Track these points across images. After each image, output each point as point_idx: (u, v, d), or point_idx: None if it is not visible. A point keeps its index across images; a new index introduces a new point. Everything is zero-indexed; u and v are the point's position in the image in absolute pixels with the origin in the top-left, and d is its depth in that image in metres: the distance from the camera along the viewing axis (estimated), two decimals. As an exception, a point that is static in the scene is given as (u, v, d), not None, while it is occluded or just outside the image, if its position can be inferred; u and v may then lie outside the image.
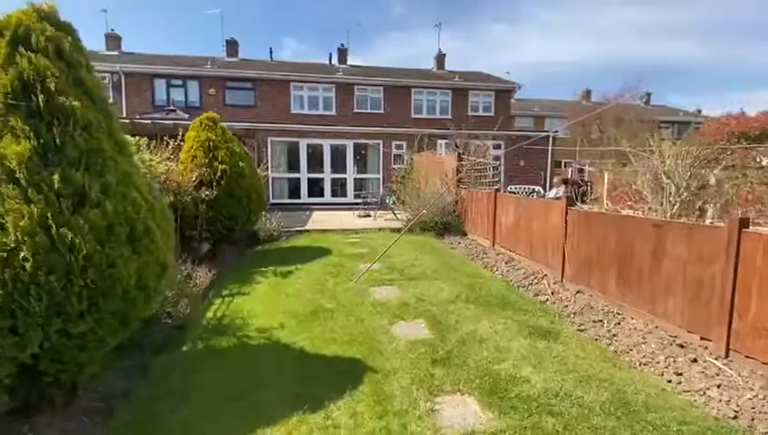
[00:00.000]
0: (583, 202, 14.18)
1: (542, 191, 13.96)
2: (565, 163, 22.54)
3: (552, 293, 5.07)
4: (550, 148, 15.27)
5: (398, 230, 9.51)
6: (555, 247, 5.58)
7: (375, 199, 12.17)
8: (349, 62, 20.32)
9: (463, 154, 9.75)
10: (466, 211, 9.01)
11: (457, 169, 9.54)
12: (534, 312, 4.36)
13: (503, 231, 7.26)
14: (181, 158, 6.22)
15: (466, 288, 5.06)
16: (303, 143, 13.82)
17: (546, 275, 5.69)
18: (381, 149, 14.34)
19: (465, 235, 9.04)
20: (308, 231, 9.19)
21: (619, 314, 4.32)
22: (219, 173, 6.06)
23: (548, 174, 15.62)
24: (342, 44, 20.63)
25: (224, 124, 6.61)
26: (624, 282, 4.38)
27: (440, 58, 21.52)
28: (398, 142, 14.42)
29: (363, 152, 14.74)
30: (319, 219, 11.12)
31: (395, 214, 11.15)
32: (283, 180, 13.99)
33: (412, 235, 9.19)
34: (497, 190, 7.59)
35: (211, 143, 6.19)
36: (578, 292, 5.01)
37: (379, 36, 51.19)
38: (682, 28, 52.44)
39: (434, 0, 50.30)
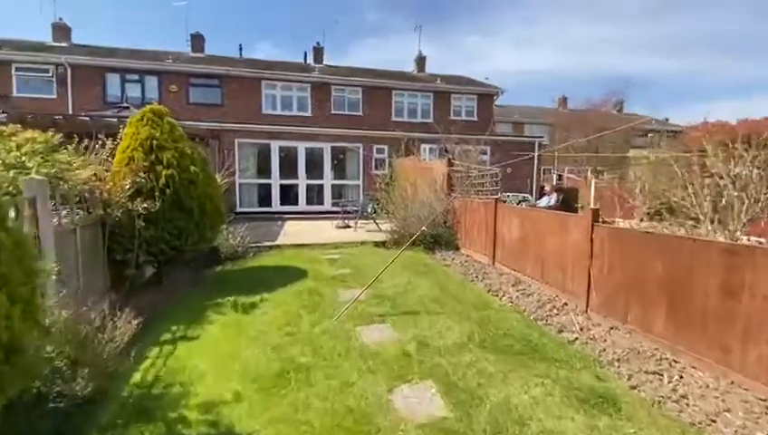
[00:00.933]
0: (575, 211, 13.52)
1: (531, 199, 13.29)
2: (544, 170, 22.22)
3: (581, 329, 4.14)
4: (536, 154, 14.68)
5: (383, 244, 8.46)
6: (577, 270, 4.67)
7: (355, 208, 11.07)
8: (325, 63, 19.20)
9: (453, 159, 8.83)
10: (460, 223, 8.06)
11: (448, 176, 8.60)
12: (571, 361, 3.39)
13: (505, 247, 6.33)
14: (115, 160, 4.95)
15: (478, 325, 4.04)
16: (275, 146, 12.57)
17: (566, 304, 4.77)
18: (361, 153, 13.28)
19: (457, 249, 8.09)
20: (279, 246, 7.97)
21: (675, 361, 3.41)
22: (164, 180, 4.82)
23: (534, 181, 15.01)
24: (318, 43, 19.51)
25: (173, 120, 5.36)
26: (678, 320, 3.48)
27: (420, 61, 20.76)
28: (379, 146, 13.41)
29: (341, 156, 13.63)
30: (292, 231, 9.90)
31: (378, 224, 10.08)
32: (253, 187, 12.67)
33: (399, 249, 8.16)
34: (498, 200, 6.67)
35: (154, 142, 4.94)
36: (612, 328, 4.10)
37: (355, 41, 50.38)
38: (646, 43, 54.49)
39: (408, 8, 49.96)
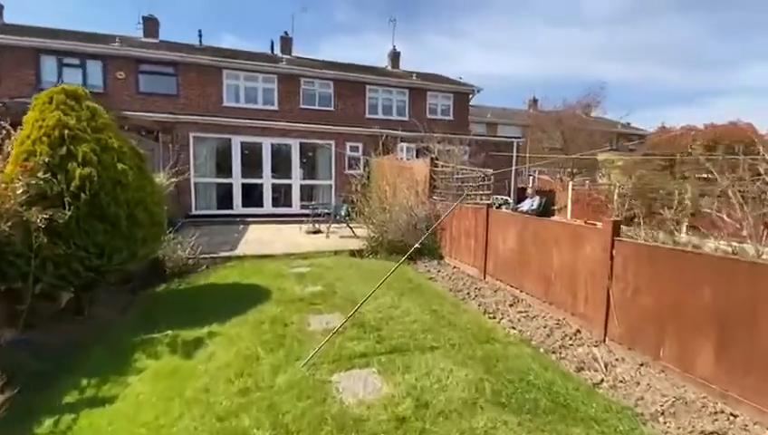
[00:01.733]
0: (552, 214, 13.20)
1: (511, 202, 12.79)
2: (517, 171, 22.05)
3: (606, 366, 3.43)
4: (514, 155, 14.24)
5: (359, 252, 7.56)
6: (592, 291, 3.98)
7: (327, 211, 10.08)
8: (294, 54, 17.97)
9: (436, 159, 8.06)
10: (444, 230, 7.29)
11: (431, 177, 7.82)
12: (609, 420, 2.64)
13: (499, 259, 5.60)
14: (12, 156, 3.76)
15: (485, 367, 3.24)
16: (237, 141, 11.34)
17: (578, 331, 4.07)
18: (333, 150, 12.28)
19: (441, 258, 7.32)
20: (239, 257, 6.88)
21: (734, 415, 2.74)
22: (78, 181, 3.69)
23: (512, 183, 14.58)
24: (286, 32, 18.25)
25: (95, 105, 4.22)
26: (733, 359, 2.82)
27: (394, 57, 19.96)
28: (353, 144, 12.46)
29: (311, 154, 12.57)
30: (255, 238, 8.79)
31: (352, 229, 9.16)
32: (211, 186, 11.38)
33: (377, 259, 7.29)
34: (489, 206, 5.93)
35: (66, 133, 3.79)
36: (641, 364, 3.41)
37: (326, 38, 48.77)
38: (603, 50, 56.43)
39: (377, 8, 49.00)
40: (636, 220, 11.02)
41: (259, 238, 8.70)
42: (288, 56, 17.38)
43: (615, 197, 12.36)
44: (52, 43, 12.89)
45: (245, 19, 49.07)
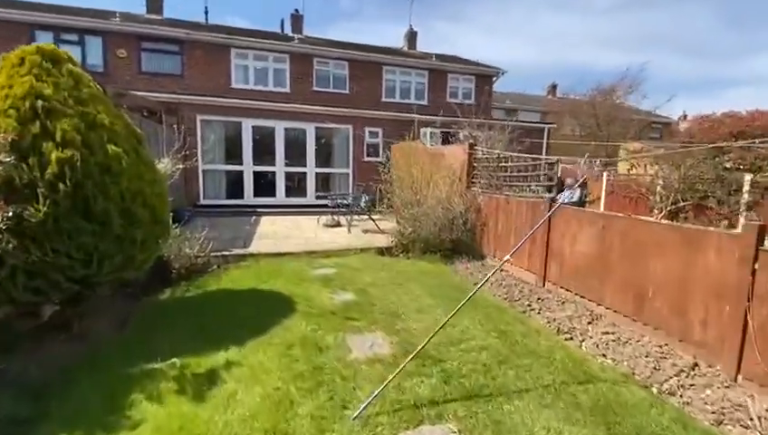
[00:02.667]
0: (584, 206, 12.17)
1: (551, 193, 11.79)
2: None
3: (758, 419, 2.55)
4: (545, 142, 13.20)
5: (388, 250, 6.70)
6: (716, 314, 3.09)
7: (346, 202, 9.21)
8: (305, 34, 16.88)
9: (475, 145, 7.10)
10: (486, 226, 6.39)
11: (469, 165, 6.88)
12: None
13: (565, 263, 4.70)
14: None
15: (603, 426, 2.38)
16: (248, 125, 10.44)
17: (696, 365, 3.18)
18: (351, 135, 11.34)
19: (482, 258, 6.44)
20: (254, 255, 6.04)
21: None
22: (56, 167, 2.83)
23: (543, 172, 13.54)
24: (297, 10, 17.14)
25: (80, 71, 3.33)
26: None
27: (411, 36, 18.76)
28: (372, 129, 11.51)
29: (326, 140, 11.64)
30: (269, 231, 7.95)
31: (376, 223, 8.29)
32: (220, 174, 10.53)
33: (408, 258, 6.42)
34: (553, 200, 5.01)
35: (41, 104, 2.92)
36: (807, 419, 2.53)
37: (333, 25, 47.11)
38: (606, 39, 54.14)
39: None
40: (683, 215, 9.95)
41: (274, 232, 7.87)
42: (299, 35, 16.31)
43: (658, 188, 11.35)
44: (48, 18, 11.95)
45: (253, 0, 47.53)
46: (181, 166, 5.95)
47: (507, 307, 4.45)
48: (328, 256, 6.25)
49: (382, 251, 6.67)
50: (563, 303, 4.52)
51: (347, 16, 49.23)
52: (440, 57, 16.97)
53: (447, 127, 12.15)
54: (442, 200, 6.65)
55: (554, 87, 30.69)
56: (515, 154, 6.50)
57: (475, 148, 6.98)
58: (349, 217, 8.43)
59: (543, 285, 5.02)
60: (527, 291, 4.94)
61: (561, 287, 4.75)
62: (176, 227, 5.27)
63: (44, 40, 12.06)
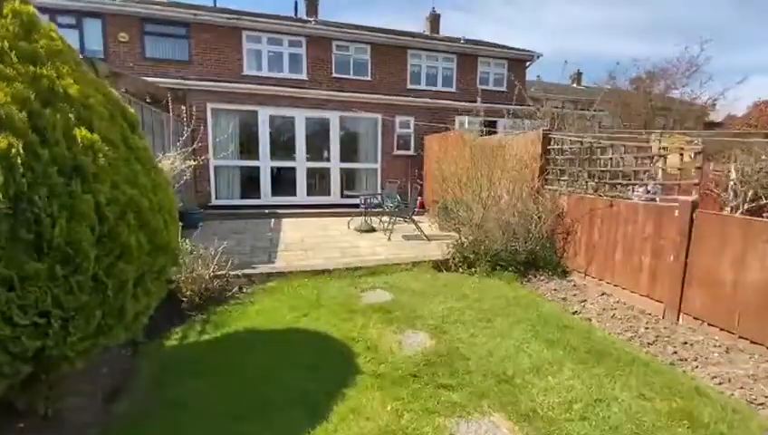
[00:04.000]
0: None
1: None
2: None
3: None
4: (596, 133, 11.77)
5: (444, 263, 5.44)
6: None
7: (382, 201, 7.97)
8: (320, 18, 15.54)
9: (549, 132, 5.78)
10: (573, 233, 5.10)
11: (544, 158, 5.58)
12: None
13: (721, 294, 3.40)
14: None
15: None
16: (265, 114, 9.21)
17: None
18: (380, 125, 10.06)
19: (565, 274, 5.16)
20: (282, 274, 4.82)
21: None
22: (-22, 167, 1.61)
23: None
24: (312, -9, 15.77)
25: (30, 8, 2.10)
26: None
27: (434, 19, 17.29)
28: (403, 118, 10.21)
29: (348, 132, 10.36)
30: (295, 239, 6.73)
31: (417, 225, 7.03)
32: (234, 171, 9.33)
33: (475, 274, 5.16)
34: (695, 204, 3.68)
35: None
36: None
37: (340, 17, 45.51)
38: (621, 27, 51.56)
39: None
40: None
41: (301, 240, 6.65)
42: (314, 19, 14.97)
43: (731, 183, 9.97)
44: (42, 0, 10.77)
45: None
46: (192, 163, 4.71)
47: (648, 359, 3.17)
48: (374, 274, 5.00)
49: (438, 265, 5.41)
50: (727, 351, 3.23)
51: (356, 6, 47.52)
52: (469, 41, 15.53)
53: (486, 115, 10.83)
54: (513, 203, 5.37)
55: (579, 75, 29.02)
56: (617, 140, 5.12)
57: (552, 135, 5.66)
58: (390, 221, 7.16)
59: (678, 319, 3.73)
60: (659, 328, 3.65)
61: (712, 325, 3.46)
62: (184, 241, 4.09)
63: (38, 23, 10.91)
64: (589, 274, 4.87)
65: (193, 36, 11.83)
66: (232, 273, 4.51)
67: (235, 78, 11.58)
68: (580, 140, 5.29)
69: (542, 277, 5.11)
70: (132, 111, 2.59)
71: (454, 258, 5.47)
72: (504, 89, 15.10)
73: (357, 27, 14.62)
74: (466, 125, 10.21)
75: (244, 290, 4.52)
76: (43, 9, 10.67)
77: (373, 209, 7.83)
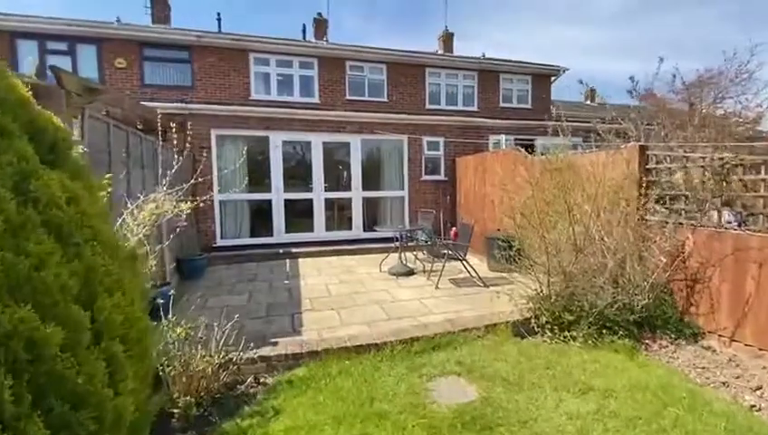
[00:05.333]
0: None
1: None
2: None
3: None
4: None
5: (526, 325, 4.08)
6: None
7: (426, 236, 6.69)
8: (330, 40, 14.77)
9: (646, 148, 4.52)
10: (702, 281, 3.75)
11: (644, 180, 4.29)
12: None
13: None
14: None
15: None
16: (277, 140, 8.08)
17: None
18: (406, 148, 8.91)
19: (695, 336, 3.77)
20: (314, 354, 3.46)
21: None
22: None
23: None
24: (320, 14, 15.10)
25: None
26: None
27: (447, 38, 16.48)
28: (430, 138, 9.06)
29: (369, 157, 9.20)
30: (320, 289, 5.41)
31: (466, 265, 5.69)
32: (241, 206, 8.12)
33: (572, 341, 3.78)
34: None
35: None
36: None
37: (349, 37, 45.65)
38: (612, 47, 51.54)
39: (386, 15, 45.39)
40: None
41: (327, 290, 5.33)
42: (324, 42, 14.18)
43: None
44: (33, 25, 9.95)
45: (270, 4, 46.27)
46: (187, 206, 3.45)
47: None
48: (438, 347, 3.64)
49: (518, 327, 4.04)
50: None
51: (353, 34, 47.73)
52: (488, 58, 14.63)
53: (521, 133, 9.68)
54: (614, 241, 4.05)
55: (593, 92, 28.24)
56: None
57: (652, 151, 4.40)
58: (443, 260, 5.80)
59: None
60: None
61: None
62: (185, 298, 2.81)
63: (27, 49, 10.07)
64: (738, 339, 3.49)
65: (196, 60, 10.94)
66: (245, 356, 3.19)
67: (242, 102, 10.59)
68: (704, 156, 4.02)
69: (664, 343, 3.72)
70: (62, 125, 1.34)
71: (537, 317, 4.11)
72: (528, 106, 14.07)
73: (370, 48, 13.78)
74: (503, 144, 9.03)
75: (262, 380, 3.18)
76: (31, 35, 9.85)
77: (403, 244, 6.53)
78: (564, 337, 3.86)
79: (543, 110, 14.33)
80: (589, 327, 3.79)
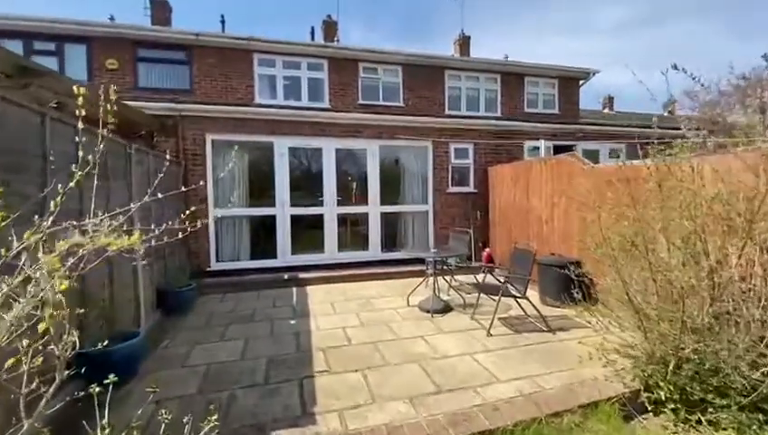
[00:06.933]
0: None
1: None
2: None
3: None
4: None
5: (633, 401, 2.81)
6: None
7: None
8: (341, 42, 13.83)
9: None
10: None
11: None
12: None
13: None
14: None
15: None
16: (283, 146, 6.98)
17: None
18: (431, 156, 7.77)
19: None
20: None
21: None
22: None
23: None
24: (329, 16, 14.20)
25: None
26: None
27: (464, 42, 15.49)
28: (459, 145, 7.91)
29: (388, 167, 8.07)
30: (334, 332, 4.19)
31: (519, 301, 4.47)
32: (240, 223, 6.98)
33: (698, 426, 2.51)
34: None
35: None
36: None
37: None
38: (610, 55, 50.79)
39: (392, 30, 44.84)
40: None
41: (343, 335, 4.12)
42: (335, 42, 13.23)
43: None
44: (16, 23, 9.05)
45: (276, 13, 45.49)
46: (136, 241, 2.32)
47: None
48: (522, 445, 2.42)
49: (626, 405, 2.80)
50: None
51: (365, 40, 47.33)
52: (512, 61, 13.58)
53: (558, 139, 8.52)
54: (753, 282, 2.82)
55: (611, 99, 27.15)
56: None
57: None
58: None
59: None
60: None
61: None
62: (166, 344, 1.56)
63: (12, 48, 9.10)
64: None
65: (195, 61, 9.97)
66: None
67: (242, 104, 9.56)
68: None
69: None
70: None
71: (648, 388, 2.87)
72: (556, 111, 12.95)
73: (383, 50, 12.79)
74: (542, 151, 7.85)
75: None
76: (16, 34, 8.92)
77: (450, 269, 5.33)
78: (698, 422, 2.62)
79: (572, 115, 13.23)
80: (734, 408, 2.55)
